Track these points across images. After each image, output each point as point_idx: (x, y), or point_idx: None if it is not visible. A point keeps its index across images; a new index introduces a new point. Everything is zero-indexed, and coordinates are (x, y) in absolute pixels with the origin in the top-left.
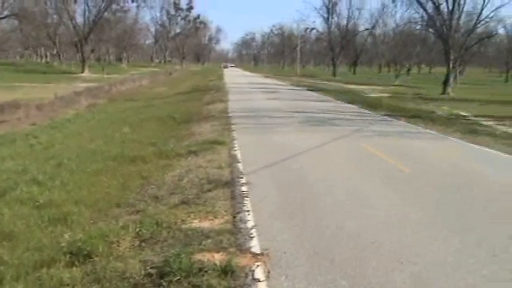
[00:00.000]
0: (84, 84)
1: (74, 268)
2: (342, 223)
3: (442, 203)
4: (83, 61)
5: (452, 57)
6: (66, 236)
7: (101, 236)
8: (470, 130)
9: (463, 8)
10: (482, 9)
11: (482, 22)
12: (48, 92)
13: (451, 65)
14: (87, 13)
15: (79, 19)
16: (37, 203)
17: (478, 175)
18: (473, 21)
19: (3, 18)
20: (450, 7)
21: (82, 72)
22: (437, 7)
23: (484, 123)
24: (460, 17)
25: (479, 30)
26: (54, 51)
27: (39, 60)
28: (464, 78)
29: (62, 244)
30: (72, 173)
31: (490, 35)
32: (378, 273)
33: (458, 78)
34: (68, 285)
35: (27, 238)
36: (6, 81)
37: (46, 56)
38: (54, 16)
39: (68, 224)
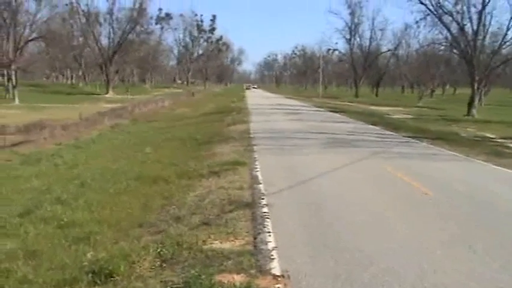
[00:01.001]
0: (108, 105)
1: (96, 287)
2: (362, 246)
3: (467, 228)
4: (107, 82)
5: (476, 78)
6: (88, 255)
7: (123, 255)
8: (495, 152)
9: (488, 28)
10: (507, 30)
11: (508, 43)
12: (73, 112)
13: (475, 86)
14: (111, 35)
15: (104, 41)
16: (61, 222)
17: (504, 199)
18: (498, 42)
19: (31, 40)
20: (475, 28)
21: (106, 93)
22: (461, 28)
23: (511, 145)
24: (484, 37)
25: (504, 51)
26: (80, 73)
27: (64, 81)
28: (489, 100)
29: (84, 263)
30: (95, 192)
31: None
32: None
33: (483, 99)
34: None
35: (50, 257)
36: (32, 102)
37: (72, 77)
38: (80, 38)
39: (91, 244)
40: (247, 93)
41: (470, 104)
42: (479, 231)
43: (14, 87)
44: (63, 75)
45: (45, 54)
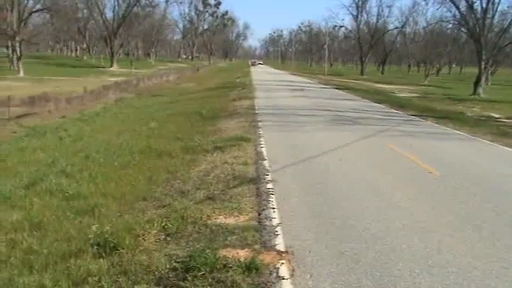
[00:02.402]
0: (113, 79)
1: (101, 259)
2: (368, 224)
3: (473, 208)
4: (112, 55)
5: (484, 57)
6: (93, 227)
7: (128, 229)
8: (501, 132)
9: (497, 7)
10: None
11: None
12: (77, 85)
13: (482, 66)
14: (116, 8)
15: (109, 14)
16: (66, 195)
17: (509, 179)
18: (508, 21)
19: (35, 11)
20: (484, 6)
21: (111, 66)
22: (470, 5)
23: None
24: (494, 16)
25: None
26: (84, 46)
27: (69, 54)
28: (496, 79)
29: (90, 236)
30: (100, 166)
31: None
32: (404, 275)
33: (489, 79)
34: (95, 276)
35: (56, 228)
36: (37, 74)
37: (76, 50)
38: (85, 11)
39: (96, 216)
40: (252, 69)
41: (476, 83)
42: (485, 211)
43: (18, 59)
44: (67, 48)
45: (50, 26)
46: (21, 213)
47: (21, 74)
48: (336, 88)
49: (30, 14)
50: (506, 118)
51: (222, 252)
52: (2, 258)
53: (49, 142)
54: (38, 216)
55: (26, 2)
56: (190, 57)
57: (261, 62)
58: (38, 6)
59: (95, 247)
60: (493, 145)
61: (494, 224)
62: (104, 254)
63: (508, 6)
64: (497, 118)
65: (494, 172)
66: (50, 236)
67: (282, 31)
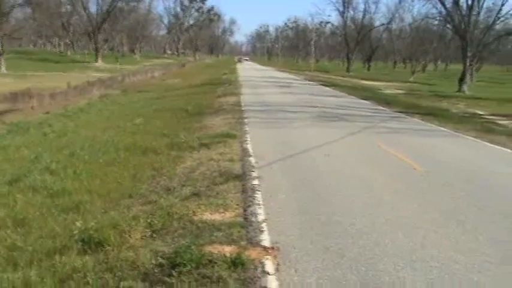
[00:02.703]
0: (97, 74)
1: (86, 256)
2: (353, 220)
3: (457, 203)
4: (96, 51)
5: (469, 54)
6: (78, 224)
7: (113, 225)
8: (485, 129)
9: (482, 3)
10: (502, 5)
11: (502, 18)
12: (61, 81)
13: (467, 63)
14: (100, 2)
15: (92, 8)
16: (50, 191)
17: (493, 174)
18: (493, 18)
19: (17, 6)
20: (470, 2)
21: (95, 62)
22: (456, 2)
23: (500, 122)
24: (479, 13)
25: (498, 27)
26: (68, 41)
27: (52, 49)
28: (481, 76)
29: (75, 232)
30: (85, 162)
31: (509, 32)
32: (388, 270)
33: (474, 75)
34: (80, 272)
35: (40, 225)
36: (20, 70)
37: (60, 45)
38: (68, 5)
39: (81, 213)
40: (239, 66)
41: (461, 80)
42: (469, 206)
43: (0, 54)
44: (51, 43)
45: (32, 21)
46: (5, 210)
47: (3, 69)
48: (323, 85)
49: (12, 8)
50: (491, 115)
51: (208, 248)
52: None
53: (33, 138)
54: (22, 213)
55: None
56: (176, 53)
57: (247, 58)
58: (20, 1)
59: (80, 243)
60: (477, 141)
61: (477, 218)
62: (89, 251)
63: (493, 3)
64: (482, 115)
65: (478, 168)
66: (35, 232)
67: (268, 27)
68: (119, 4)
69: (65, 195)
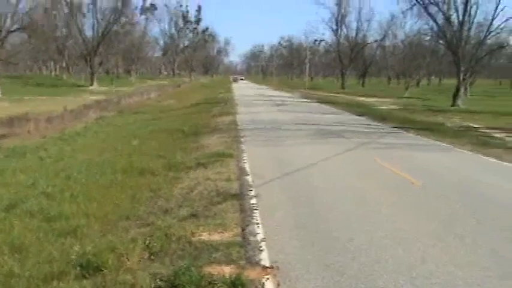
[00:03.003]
0: (93, 97)
1: (84, 281)
2: (352, 236)
3: (454, 216)
4: (92, 74)
5: (462, 68)
6: (76, 248)
7: (111, 248)
8: (481, 142)
9: (473, 19)
10: (492, 20)
11: (493, 33)
12: (57, 105)
13: (461, 77)
14: (95, 26)
15: (88, 32)
16: (47, 216)
17: (489, 187)
18: (484, 32)
19: (13, 31)
20: (461, 18)
21: (91, 85)
22: (447, 18)
23: (495, 135)
24: (470, 28)
25: (489, 41)
26: (64, 64)
27: (48, 73)
28: (474, 90)
29: (72, 257)
30: (82, 185)
31: (501, 46)
32: (389, 287)
33: (468, 89)
34: None
35: (37, 250)
36: (16, 95)
37: (55, 69)
38: (63, 29)
39: (78, 237)
40: (234, 85)
41: (455, 95)
42: (466, 219)
43: None
44: (46, 67)
45: (28, 46)
46: (1, 236)
47: None
48: (318, 102)
49: (8, 33)
50: (486, 128)
51: (207, 269)
52: None
53: (29, 163)
54: (19, 238)
55: (3, 21)
56: (171, 74)
57: (243, 78)
58: (16, 26)
59: (78, 268)
60: (473, 154)
61: (475, 232)
62: (87, 275)
63: (484, 18)
64: (477, 128)
65: (474, 181)
66: (32, 258)
67: (263, 46)
68: (115, 27)
69: (62, 219)
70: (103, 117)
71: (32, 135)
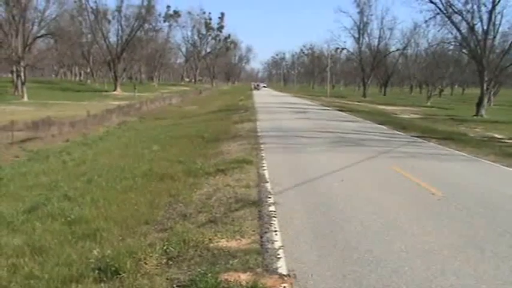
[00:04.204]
0: (116, 102)
1: (102, 284)
2: (370, 246)
3: (476, 230)
4: (115, 79)
5: (486, 78)
6: (95, 252)
7: (129, 252)
8: (504, 153)
9: (498, 28)
10: None
11: None
12: (81, 109)
13: (484, 86)
14: (120, 32)
15: (112, 38)
16: (68, 219)
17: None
18: (509, 42)
19: (40, 37)
20: (485, 27)
21: (114, 90)
22: (471, 27)
23: None
24: (495, 37)
25: None
26: (88, 70)
27: (73, 78)
28: (498, 100)
29: (91, 260)
30: (102, 189)
31: None
32: None
33: (492, 99)
34: None
35: (57, 253)
36: (41, 99)
37: (80, 75)
38: (89, 35)
39: (97, 240)
40: (255, 92)
41: (479, 104)
42: (488, 232)
43: (23, 83)
44: (71, 72)
45: (54, 51)
46: (23, 238)
47: (25, 98)
48: (339, 110)
49: (35, 39)
50: (509, 139)
51: (224, 276)
52: (2, 284)
53: (52, 166)
54: (40, 240)
55: (30, 27)
56: (193, 80)
57: (265, 85)
58: (43, 32)
59: (96, 271)
60: (496, 166)
61: (497, 244)
62: (105, 279)
63: (509, 28)
64: (500, 139)
65: (497, 192)
66: (51, 260)
67: (284, 54)
68: (138, 34)
69: (82, 223)
70: (125, 122)
71: (56, 138)
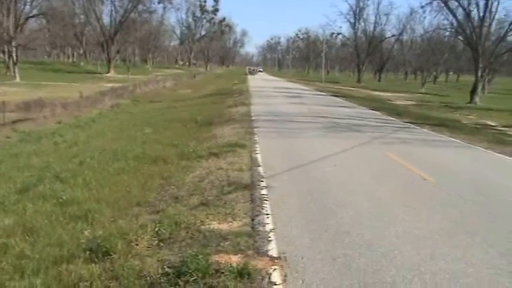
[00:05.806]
0: (109, 84)
1: (93, 265)
2: (361, 231)
3: (467, 215)
4: (109, 61)
5: (481, 65)
6: (86, 232)
7: (120, 234)
8: (497, 140)
9: (494, 15)
10: None
11: None
12: (73, 91)
13: (479, 74)
14: (113, 14)
15: (106, 19)
16: (59, 200)
17: (505, 187)
18: (505, 29)
19: (32, 17)
20: (481, 14)
21: (107, 72)
22: (467, 14)
23: None
24: (491, 24)
25: (510, 38)
26: (81, 51)
27: (66, 59)
28: (493, 88)
29: (82, 241)
30: (95, 171)
31: None
32: (396, 282)
33: (486, 87)
34: (86, 281)
35: (48, 233)
36: (33, 80)
37: (73, 56)
38: (82, 16)
39: (89, 221)
40: (249, 76)
41: (473, 92)
42: (479, 218)
43: (14, 64)
44: (64, 54)
45: (46, 32)
46: (14, 218)
47: (17, 79)
48: (333, 95)
49: (27, 19)
50: (502, 126)
51: (215, 258)
52: None
53: (44, 147)
54: (31, 221)
55: (22, 7)
56: (187, 63)
57: (261, 69)
58: (35, 12)
59: (87, 252)
60: (488, 152)
61: (487, 230)
62: (96, 259)
63: (505, 15)
64: (493, 126)
65: (489, 179)
66: (42, 241)
67: (279, 38)
68: (132, 15)
69: (74, 204)
70: (118, 105)
71: (48, 120)
